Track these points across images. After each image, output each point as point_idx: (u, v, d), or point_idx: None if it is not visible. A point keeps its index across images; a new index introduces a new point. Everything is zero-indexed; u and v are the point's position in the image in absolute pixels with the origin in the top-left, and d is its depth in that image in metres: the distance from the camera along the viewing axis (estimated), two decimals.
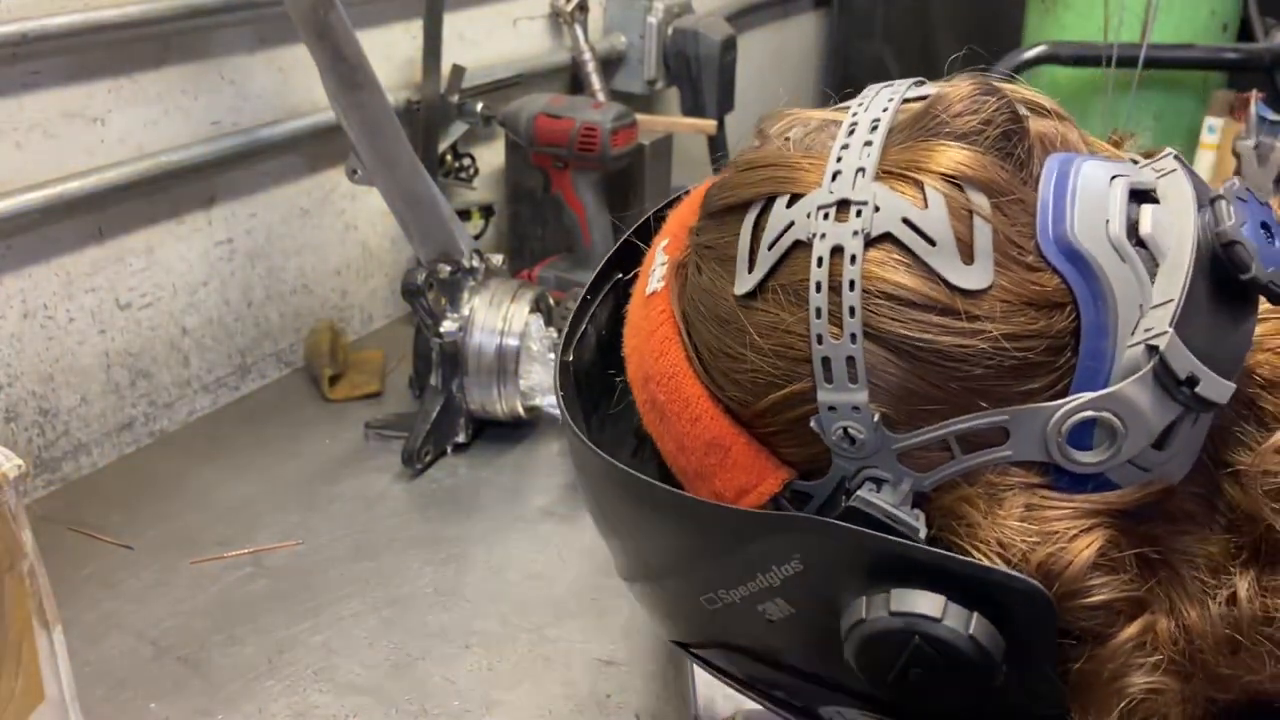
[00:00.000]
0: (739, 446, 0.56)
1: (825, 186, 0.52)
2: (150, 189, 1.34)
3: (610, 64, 1.99)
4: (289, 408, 1.48)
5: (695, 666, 0.94)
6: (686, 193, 0.65)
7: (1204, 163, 1.87)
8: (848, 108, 0.57)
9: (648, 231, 0.67)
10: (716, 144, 2.02)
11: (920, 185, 0.51)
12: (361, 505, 1.27)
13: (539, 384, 1.36)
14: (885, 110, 0.54)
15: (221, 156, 1.39)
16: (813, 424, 0.53)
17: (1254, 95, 1.76)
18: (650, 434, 0.61)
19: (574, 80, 1.93)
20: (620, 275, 0.70)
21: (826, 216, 0.52)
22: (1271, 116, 1.74)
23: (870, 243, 0.51)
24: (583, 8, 1.88)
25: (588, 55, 1.89)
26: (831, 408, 0.52)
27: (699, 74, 1.99)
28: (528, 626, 1.08)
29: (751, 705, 0.88)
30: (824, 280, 0.51)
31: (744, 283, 0.54)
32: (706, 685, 0.93)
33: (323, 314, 1.61)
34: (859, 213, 0.51)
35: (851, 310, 0.50)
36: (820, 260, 0.51)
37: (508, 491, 1.30)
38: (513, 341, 1.34)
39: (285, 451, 1.37)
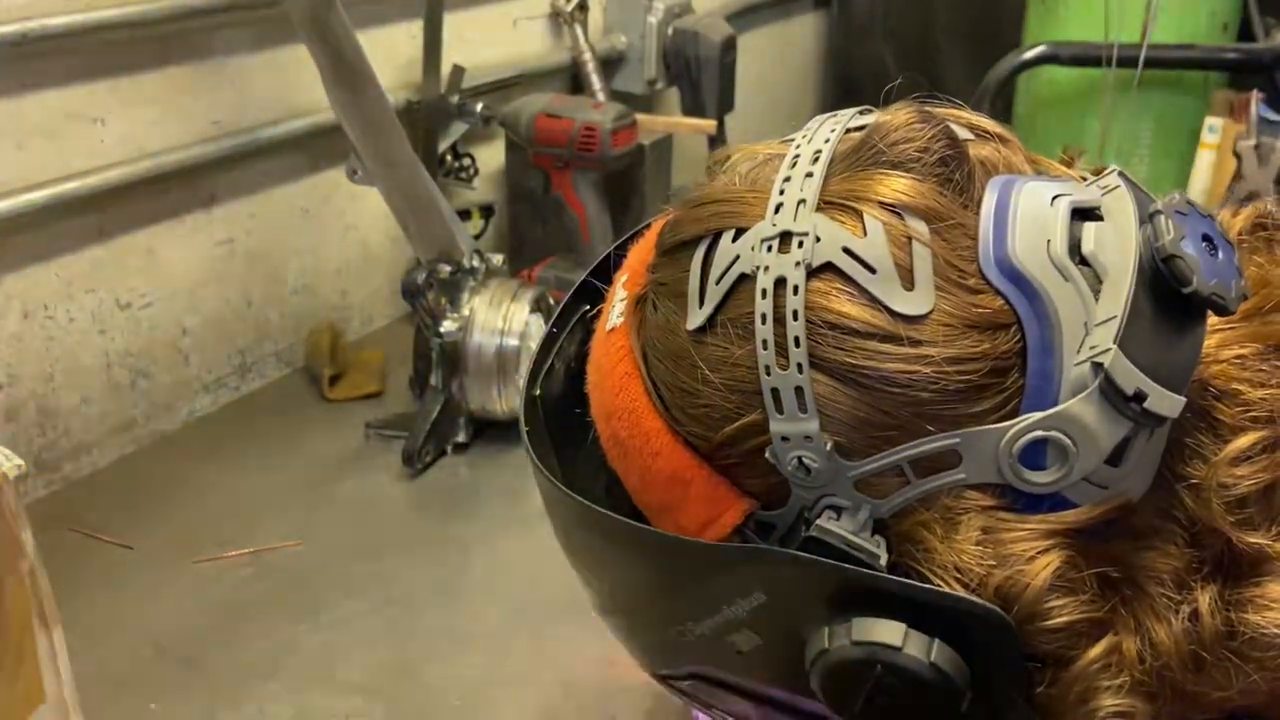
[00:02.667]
0: (700, 479, 0.56)
1: (768, 219, 0.53)
2: (150, 189, 1.34)
3: (610, 64, 1.99)
4: (289, 408, 1.48)
5: None
6: (648, 226, 0.66)
7: (1204, 163, 1.87)
8: (793, 139, 0.57)
9: (610, 267, 0.68)
10: (716, 144, 2.02)
11: (859, 214, 0.52)
12: (361, 505, 1.27)
13: None
14: (827, 141, 0.55)
15: (221, 156, 1.39)
16: (768, 454, 0.53)
17: (1254, 95, 1.76)
18: (615, 469, 0.61)
19: (574, 80, 1.93)
20: (588, 308, 0.70)
21: (770, 249, 0.52)
22: (1272, 116, 1.74)
23: (812, 273, 0.51)
24: (583, 8, 1.88)
25: (588, 55, 1.89)
26: (784, 438, 0.52)
27: (699, 74, 1.99)
28: (528, 626, 1.08)
29: None
30: (769, 312, 0.52)
31: (695, 318, 0.55)
32: None
33: (323, 314, 1.61)
34: (800, 243, 0.52)
35: (796, 340, 0.51)
36: (764, 292, 0.52)
37: (508, 491, 1.30)
38: (513, 341, 1.34)
39: (285, 451, 1.37)
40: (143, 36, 1.30)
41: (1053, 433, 0.50)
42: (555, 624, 1.08)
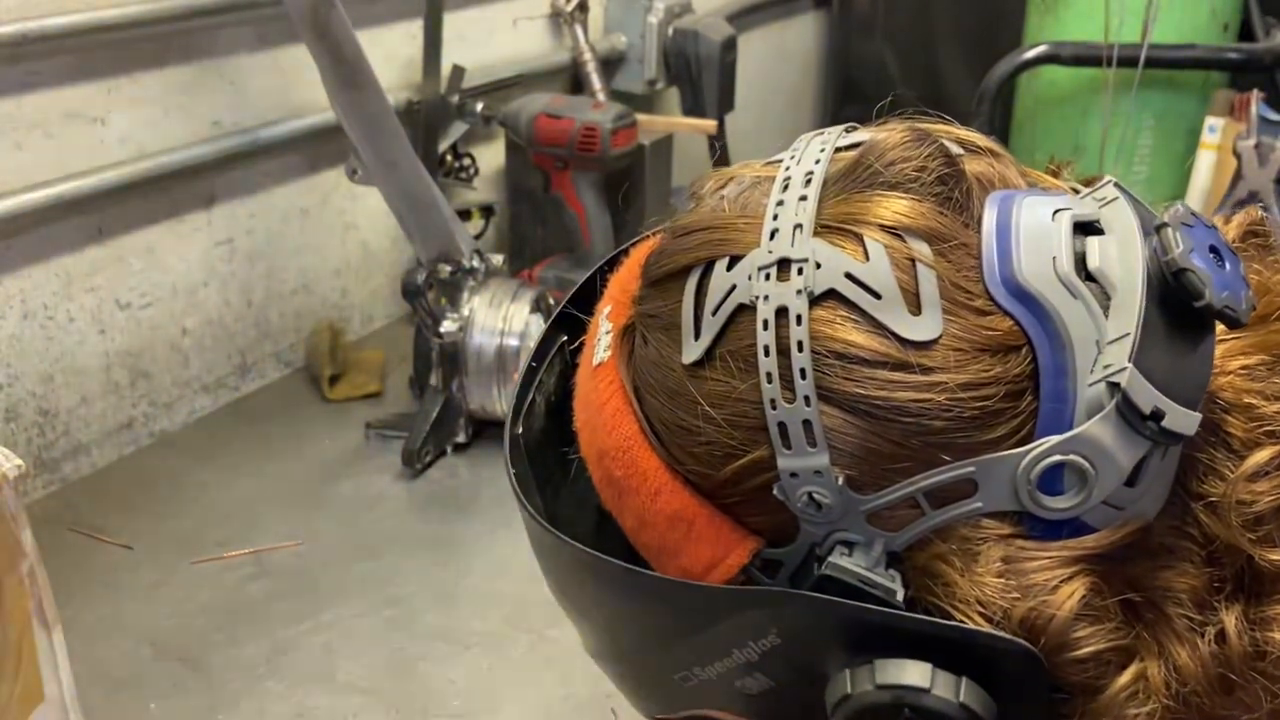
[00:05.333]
0: (703, 519, 0.54)
1: (764, 246, 0.51)
2: (150, 189, 1.34)
3: (610, 64, 1.99)
4: (289, 408, 1.48)
5: None
6: (625, 253, 0.64)
7: (1204, 163, 1.87)
8: (780, 161, 0.55)
9: (589, 296, 0.65)
10: (716, 144, 2.02)
11: (859, 238, 0.50)
12: (361, 505, 1.27)
13: None
14: (818, 162, 0.53)
15: (221, 156, 1.39)
16: (776, 491, 0.51)
17: (1254, 95, 1.76)
18: (610, 510, 0.59)
19: (574, 80, 1.93)
20: (565, 339, 0.68)
21: (768, 277, 0.50)
22: (1272, 116, 1.74)
23: (814, 301, 0.49)
24: (583, 8, 1.88)
25: (588, 55, 1.89)
26: (793, 474, 0.50)
27: (699, 74, 1.99)
28: (528, 627, 1.08)
29: None
30: (771, 343, 0.50)
31: (691, 351, 0.52)
32: None
33: (323, 314, 1.61)
34: (800, 271, 0.50)
35: (802, 372, 0.49)
36: (766, 323, 0.50)
37: (507, 491, 1.29)
38: (513, 341, 1.34)
39: (285, 451, 1.37)
40: (143, 36, 1.30)
41: (1071, 456, 0.48)
42: (555, 624, 1.08)
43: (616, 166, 1.64)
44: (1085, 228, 0.51)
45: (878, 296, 0.49)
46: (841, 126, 0.57)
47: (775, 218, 0.52)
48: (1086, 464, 0.49)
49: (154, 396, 1.40)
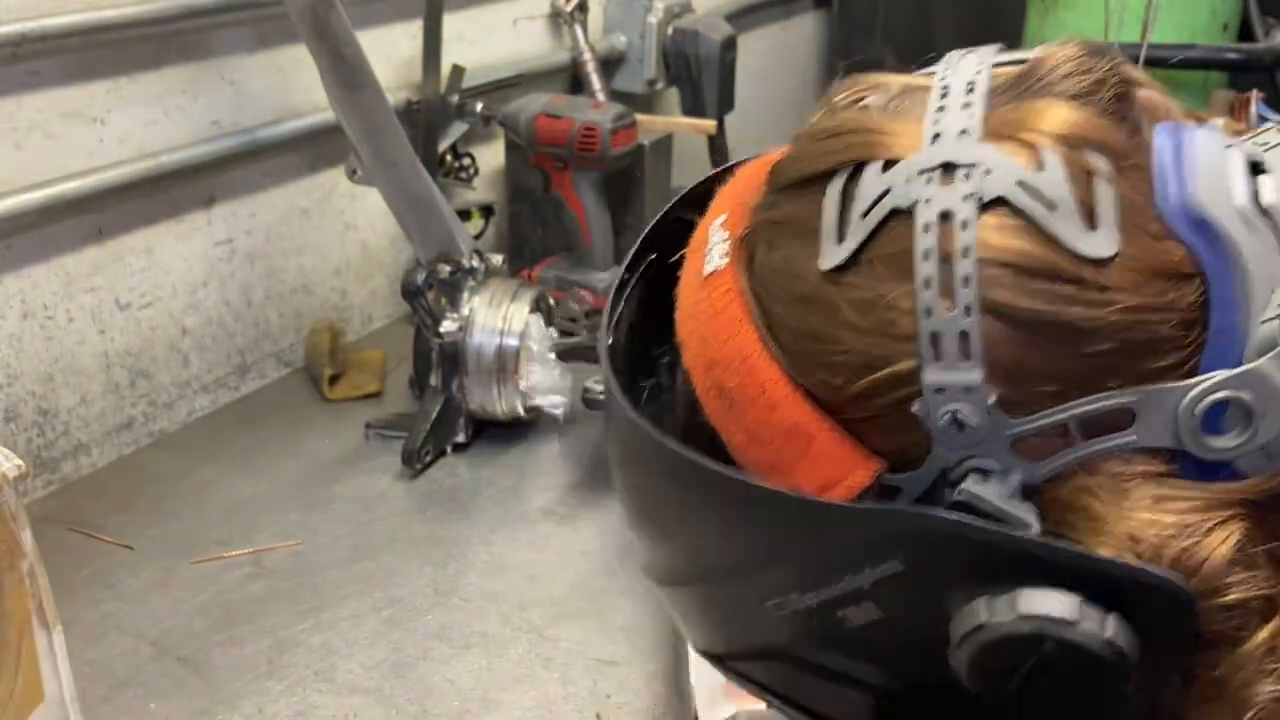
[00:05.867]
0: (824, 435, 0.51)
1: (925, 150, 0.48)
2: (150, 189, 1.34)
3: (610, 64, 1.99)
4: (289, 408, 1.48)
5: (694, 666, 0.94)
6: (730, 170, 0.60)
7: None
8: (931, 73, 0.53)
9: (683, 210, 0.62)
10: (716, 144, 2.02)
11: (1033, 146, 0.47)
12: (361, 505, 1.27)
13: (539, 384, 1.36)
14: (979, 73, 0.51)
15: (221, 156, 1.39)
16: (915, 407, 0.48)
17: (1254, 95, 1.76)
18: (714, 425, 0.55)
19: (574, 80, 1.93)
20: (654, 256, 0.64)
21: (930, 181, 0.47)
22: (1272, 116, 1.74)
23: (982, 208, 0.47)
24: (583, 8, 1.88)
25: (588, 55, 1.89)
26: (939, 389, 0.47)
27: (699, 74, 1.99)
28: (527, 627, 1.08)
29: (753, 704, 0.88)
30: (933, 248, 0.46)
31: (833, 256, 0.49)
32: (707, 685, 0.93)
33: (323, 314, 1.61)
34: (967, 175, 0.47)
35: (966, 279, 0.46)
36: (927, 226, 0.47)
37: (508, 491, 1.30)
38: (513, 341, 1.34)
39: (285, 451, 1.37)
40: (142, 36, 1.30)
41: (1240, 394, 0.46)
42: (555, 624, 1.08)
43: (616, 166, 1.64)
44: (1253, 167, 0.49)
45: (1052, 207, 0.47)
46: (993, 46, 0.54)
47: (936, 122, 0.49)
48: (1254, 403, 0.46)
49: (154, 396, 1.40)
